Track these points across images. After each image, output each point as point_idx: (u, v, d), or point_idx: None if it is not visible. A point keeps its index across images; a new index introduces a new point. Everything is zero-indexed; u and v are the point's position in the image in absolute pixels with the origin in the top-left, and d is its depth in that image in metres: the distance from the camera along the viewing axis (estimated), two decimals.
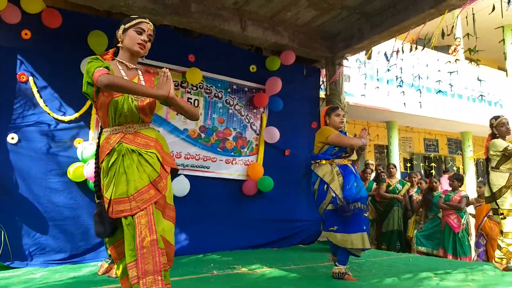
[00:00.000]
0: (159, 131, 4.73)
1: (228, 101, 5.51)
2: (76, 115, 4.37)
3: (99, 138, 2.17)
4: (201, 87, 5.29)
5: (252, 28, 5.32)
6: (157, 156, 2.09)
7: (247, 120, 5.65)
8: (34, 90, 4.19)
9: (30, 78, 4.19)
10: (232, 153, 5.47)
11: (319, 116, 6.11)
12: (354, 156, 3.62)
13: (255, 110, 5.73)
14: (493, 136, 4.19)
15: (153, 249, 1.90)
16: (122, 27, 2.19)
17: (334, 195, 3.34)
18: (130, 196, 1.98)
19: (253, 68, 5.71)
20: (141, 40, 2.17)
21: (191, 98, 5.20)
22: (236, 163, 5.48)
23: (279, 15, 5.36)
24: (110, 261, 3.48)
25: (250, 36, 5.34)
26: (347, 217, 3.33)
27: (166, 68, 2.09)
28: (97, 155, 2.14)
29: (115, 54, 2.24)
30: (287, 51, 5.72)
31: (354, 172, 3.49)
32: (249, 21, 5.30)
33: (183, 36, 5.21)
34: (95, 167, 2.14)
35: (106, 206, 2.02)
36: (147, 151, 2.08)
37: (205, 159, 5.23)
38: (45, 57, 4.27)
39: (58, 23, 4.30)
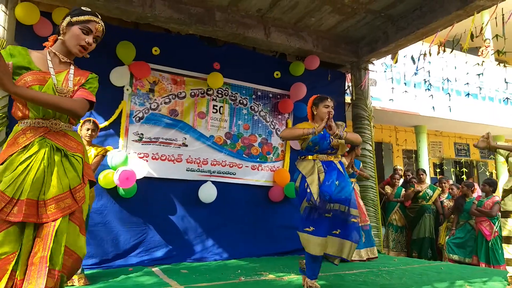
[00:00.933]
0: (185, 138, 4.90)
1: (253, 107, 5.54)
2: (106, 123, 4.48)
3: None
4: (226, 94, 5.34)
5: (276, 35, 5.36)
6: (83, 162, 1.85)
7: (272, 126, 5.65)
8: None
9: None
10: (258, 159, 5.48)
11: (345, 120, 6.05)
12: (342, 150, 3.30)
13: (280, 116, 5.73)
14: None
15: (40, 267, 1.63)
16: (68, 19, 1.87)
17: (308, 191, 2.98)
18: (40, 201, 1.70)
19: (277, 74, 5.72)
20: (85, 42, 1.89)
21: (216, 106, 5.25)
22: (262, 169, 5.48)
23: (303, 20, 5.37)
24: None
25: (274, 42, 5.37)
26: (326, 218, 2.97)
27: None
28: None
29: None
30: (311, 56, 5.71)
31: (341, 170, 3.16)
32: (273, 27, 5.34)
33: (208, 45, 5.29)
34: None
35: (3, 204, 1.65)
36: (73, 154, 1.82)
37: (231, 165, 5.26)
38: None
39: None
